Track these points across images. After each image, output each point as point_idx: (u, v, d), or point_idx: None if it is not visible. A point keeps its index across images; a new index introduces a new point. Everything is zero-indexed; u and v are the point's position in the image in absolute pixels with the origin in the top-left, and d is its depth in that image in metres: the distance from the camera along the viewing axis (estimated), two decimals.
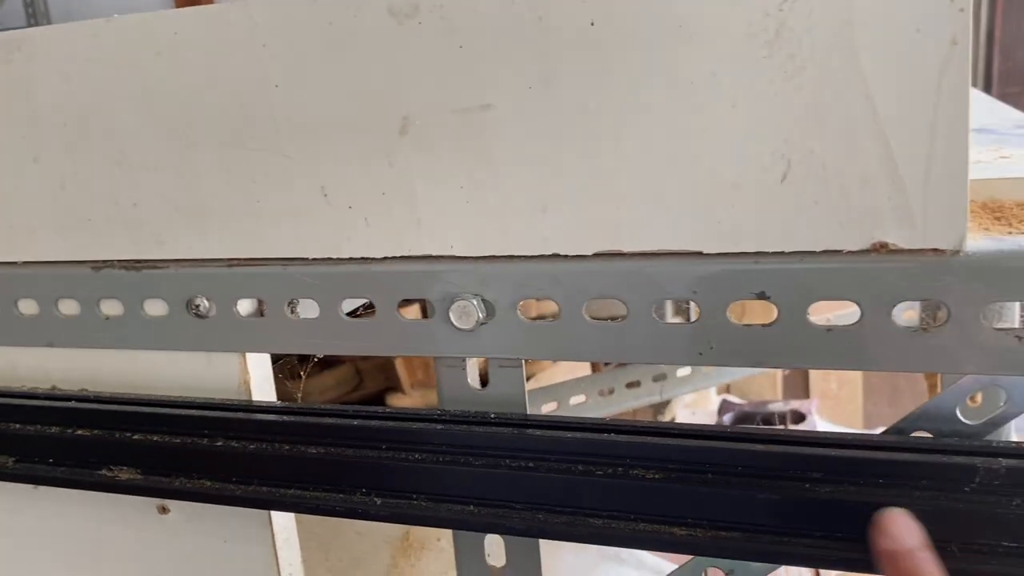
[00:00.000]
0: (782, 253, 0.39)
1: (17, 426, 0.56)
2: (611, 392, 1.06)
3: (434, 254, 0.46)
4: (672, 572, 0.48)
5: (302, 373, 0.58)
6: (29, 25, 2.64)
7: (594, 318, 0.43)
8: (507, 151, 0.43)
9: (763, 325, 0.40)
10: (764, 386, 2.05)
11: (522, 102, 0.42)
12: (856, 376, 2.16)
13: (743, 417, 1.52)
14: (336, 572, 0.64)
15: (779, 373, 2.14)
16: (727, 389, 1.96)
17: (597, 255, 0.43)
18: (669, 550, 0.42)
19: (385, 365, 1.59)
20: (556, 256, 0.44)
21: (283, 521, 0.55)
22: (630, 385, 1.06)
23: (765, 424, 1.64)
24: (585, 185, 0.42)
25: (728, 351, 0.41)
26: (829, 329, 0.39)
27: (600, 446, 0.42)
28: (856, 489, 0.39)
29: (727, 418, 1.52)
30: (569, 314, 0.44)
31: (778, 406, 1.52)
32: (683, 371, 1.25)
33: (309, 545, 0.58)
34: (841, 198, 0.38)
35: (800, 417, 1.46)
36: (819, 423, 1.45)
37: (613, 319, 0.43)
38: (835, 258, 0.39)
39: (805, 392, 2.12)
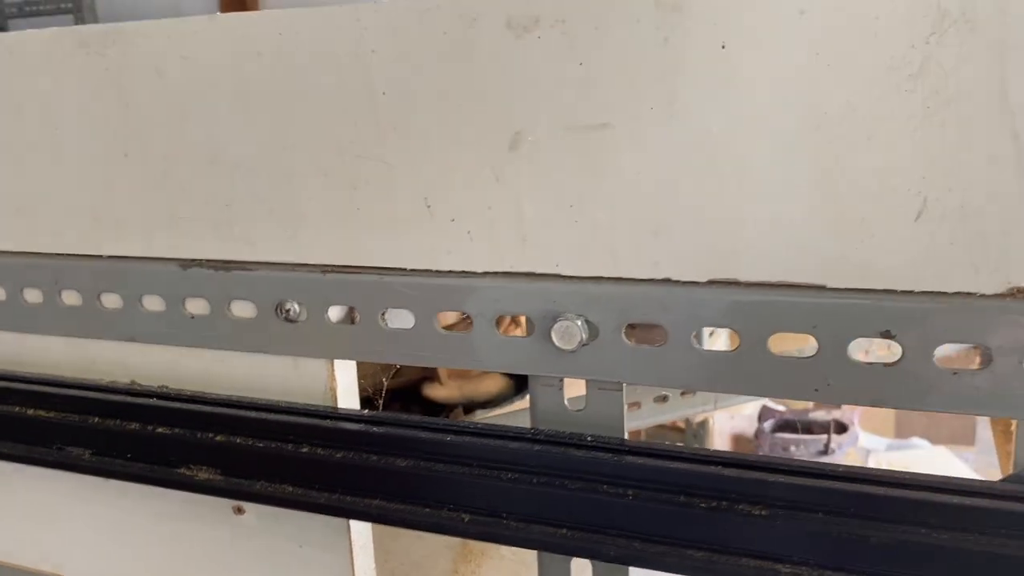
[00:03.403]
0: (911, 292, 0.38)
1: (96, 420, 0.56)
2: (665, 400, 1.06)
3: (538, 272, 0.45)
4: None
5: (384, 380, 0.58)
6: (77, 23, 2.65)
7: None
8: (622, 172, 0.42)
9: (885, 365, 0.39)
10: None
11: (641, 123, 0.41)
12: None
13: (783, 424, 1.50)
14: None
15: None
16: None
17: (711, 282, 0.42)
18: None
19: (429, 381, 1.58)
20: (667, 281, 0.42)
21: (361, 529, 0.55)
22: (684, 394, 1.05)
23: (806, 433, 1.63)
24: (703, 210, 0.41)
25: (845, 389, 0.40)
26: (955, 373, 0.38)
27: (705, 478, 0.42)
28: (978, 539, 0.37)
29: (767, 425, 1.51)
30: (676, 341, 0.43)
31: (819, 415, 1.51)
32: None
33: None
34: (978, 240, 0.37)
35: (843, 428, 1.44)
36: (861, 435, 1.43)
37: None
38: (967, 300, 0.37)
39: None
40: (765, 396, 0.43)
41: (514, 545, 0.47)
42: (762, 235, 0.40)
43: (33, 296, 0.58)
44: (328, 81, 0.46)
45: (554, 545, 0.46)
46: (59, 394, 0.57)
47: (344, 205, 0.48)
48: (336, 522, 0.54)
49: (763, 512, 0.41)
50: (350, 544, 0.54)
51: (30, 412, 0.58)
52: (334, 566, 0.55)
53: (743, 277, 0.41)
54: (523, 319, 0.46)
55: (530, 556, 0.56)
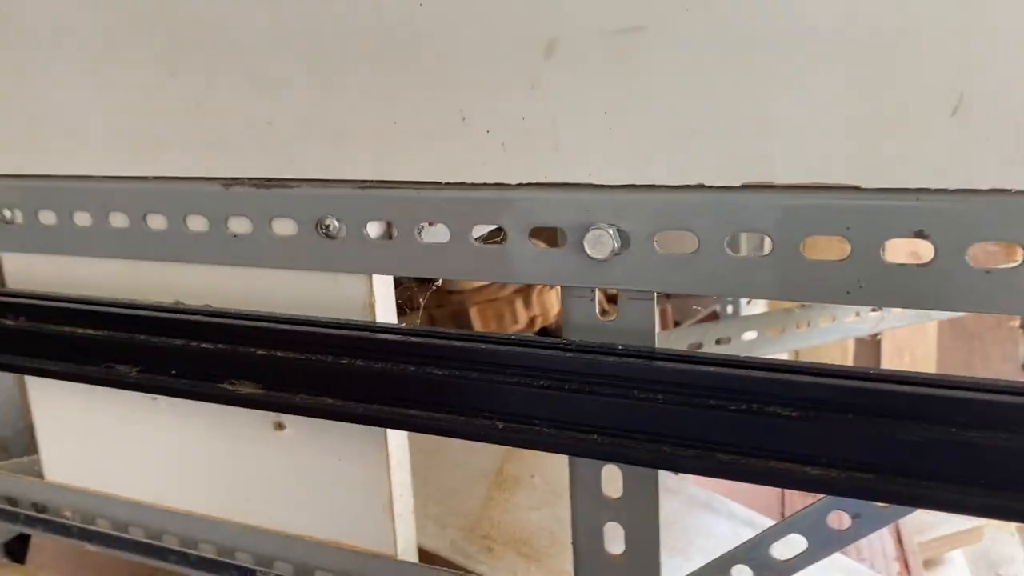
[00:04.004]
0: (945, 191, 0.38)
1: (142, 337, 0.58)
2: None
3: (571, 182, 0.46)
4: (797, 513, 0.48)
5: (421, 300, 0.59)
6: None
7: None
8: (657, 75, 0.42)
9: (917, 265, 0.39)
10: (835, 359, 2.02)
11: (677, 24, 0.41)
12: (931, 353, 2.12)
13: None
14: (433, 500, 0.65)
15: (851, 346, 2.10)
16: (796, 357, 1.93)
17: (745, 186, 0.42)
18: (801, 488, 0.42)
19: (458, 313, 1.60)
20: (700, 187, 0.43)
21: (397, 443, 0.56)
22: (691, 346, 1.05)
23: None
24: (738, 112, 0.41)
25: (878, 291, 0.40)
26: (988, 271, 0.38)
27: (735, 381, 0.42)
28: (1007, 436, 0.38)
29: None
30: (709, 247, 0.43)
31: None
32: (749, 335, 1.25)
33: None
34: (1014, 135, 0.37)
35: None
36: None
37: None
38: (1002, 197, 0.37)
39: (876, 366, 2.08)
40: (798, 300, 0.43)
41: (547, 450, 0.48)
42: (797, 136, 0.40)
43: (82, 219, 0.60)
44: None
45: (585, 450, 0.46)
46: (107, 313, 0.59)
47: (381, 119, 0.49)
48: (373, 438, 0.56)
49: (793, 414, 0.41)
50: (387, 460, 0.56)
51: (79, 331, 0.60)
52: (371, 481, 0.57)
53: (778, 180, 0.41)
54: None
55: (562, 485, 0.57)
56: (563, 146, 0.45)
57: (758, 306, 1.54)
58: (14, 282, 0.66)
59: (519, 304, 1.21)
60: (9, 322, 0.62)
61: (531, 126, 0.45)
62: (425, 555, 0.70)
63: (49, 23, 0.57)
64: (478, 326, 1.63)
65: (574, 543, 0.53)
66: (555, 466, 0.78)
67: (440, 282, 0.54)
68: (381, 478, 0.56)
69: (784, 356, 1.28)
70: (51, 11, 0.57)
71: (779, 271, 0.42)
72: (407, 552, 0.59)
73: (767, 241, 0.42)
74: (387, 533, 0.58)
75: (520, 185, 0.47)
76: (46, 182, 0.61)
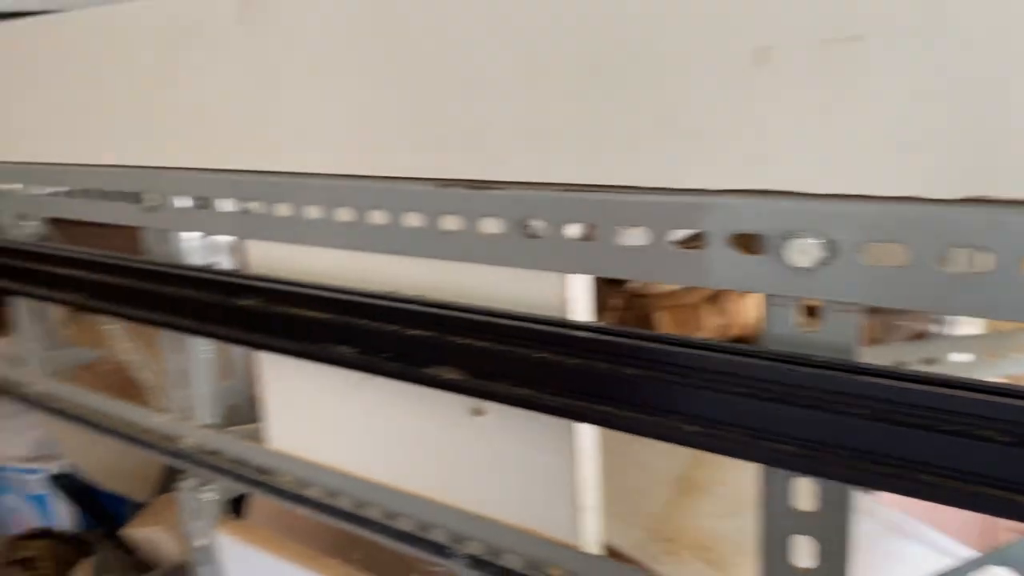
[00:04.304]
0: None
1: (361, 321, 0.63)
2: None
3: (777, 189, 0.45)
4: (1007, 545, 0.46)
5: (609, 301, 0.61)
6: None
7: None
8: (873, 87, 0.41)
9: None
10: None
11: (899, 34, 0.40)
12: None
13: None
14: (617, 498, 0.67)
15: None
16: None
17: (965, 200, 0.40)
18: (1013, 518, 0.40)
19: (643, 317, 1.60)
20: (915, 199, 0.42)
21: (587, 437, 0.58)
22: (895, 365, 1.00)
23: None
24: (960, 126, 0.39)
25: None
26: None
27: (948, 401, 0.40)
28: None
29: None
30: (921, 261, 0.42)
31: None
32: (958, 356, 1.16)
33: None
34: None
35: None
36: None
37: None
38: None
39: None
40: (1016, 319, 0.41)
41: (740, 457, 0.48)
42: None
43: (313, 212, 0.67)
44: (582, 1, 0.49)
45: (779, 460, 0.46)
46: (331, 298, 0.65)
47: (589, 124, 0.51)
48: (565, 430, 0.58)
49: (1007, 440, 0.39)
50: (577, 452, 0.58)
51: (307, 313, 0.67)
52: (560, 471, 0.59)
53: (1001, 194, 0.39)
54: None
55: (747, 495, 0.57)
56: (771, 154, 0.45)
57: (969, 326, 1.43)
58: (256, 266, 0.74)
59: (707, 311, 1.20)
60: (249, 302, 0.70)
61: (739, 133, 0.46)
62: (608, 550, 0.72)
63: (303, 43, 0.64)
64: (663, 330, 1.62)
65: (761, 553, 0.52)
66: (741, 476, 0.77)
67: (630, 284, 0.55)
68: (570, 470, 0.58)
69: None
70: (287, 20, 0.63)
71: (997, 289, 0.40)
72: (592, 544, 0.61)
73: (982, 257, 0.40)
74: (573, 524, 0.60)
75: (724, 191, 0.47)
76: (283, 178, 0.68)
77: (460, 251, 0.59)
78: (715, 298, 1.19)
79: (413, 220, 0.61)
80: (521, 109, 0.53)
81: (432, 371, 0.60)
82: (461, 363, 0.58)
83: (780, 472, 0.49)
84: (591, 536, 0.61)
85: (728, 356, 0.47)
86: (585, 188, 0.52)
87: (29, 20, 0.86)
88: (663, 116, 0.48)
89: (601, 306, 0.67)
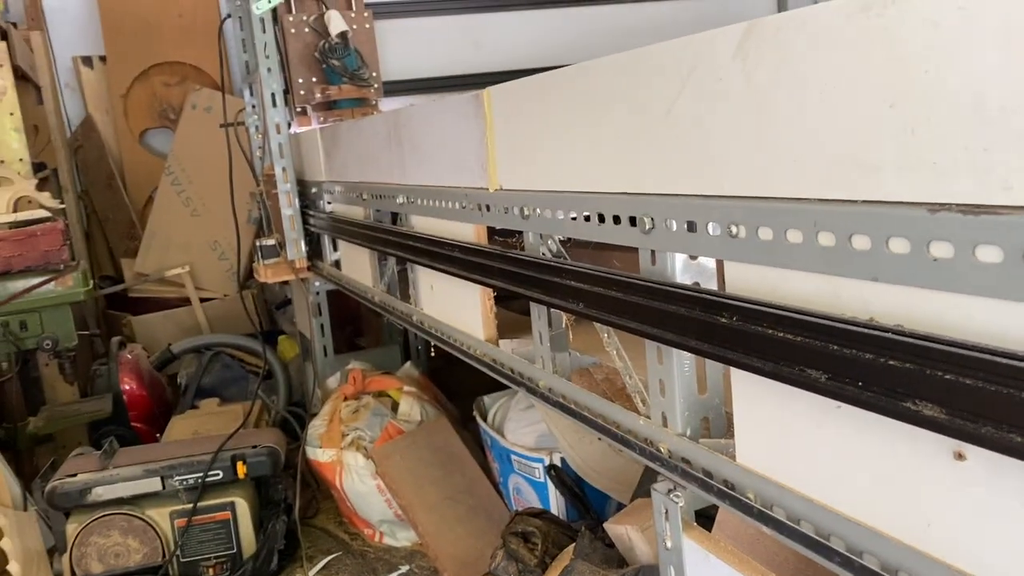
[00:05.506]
0: None
1: (834, 347, 0.63)
2: None
3: None
4: None
5: None
6: None
7: None
8: None
9: None
10: None
11: None
12: None
13: None
14: None
15: None
16: None
17: None
18: None
19: None
20: None
21: None
22: None
23: None
24: None
25: None
26: None
27: None
28: None
29: None
30: None
31: None
32: None
33: None
34: None
35: None
36: None
37: None
38: None
39: None
40: None
41: None
42: None
43: (794, 236, 0.68)
44: None
45: None
46: (805, 321, 0.66)
47: None
48: None
49: None
50: None
51: (780, 334, 0.68)
52: None
53: None
54: None
55: None
56: None
57: None
58: (731, 287, 0.78)
59: None
60: (724, 320, 0.74)
61: None
62: None
63: (797, 74, 0.66)
64: None
65: None
66: None
67: None
68: None
69: None
70: (799, 58, 0.66)
71: None
72: None
73: None
74: None
75: None
76: (767, 203, 0.71)
77: (949, 280, 0.55)
78: None
79: (899, 246, 0.59)
80: None
81: (909, 405, 0.57)
82: (942, 400, 0.54)
83: None
84: None
85: None
86: None
87: (552, 74, 1.02)
88: None
89: None
